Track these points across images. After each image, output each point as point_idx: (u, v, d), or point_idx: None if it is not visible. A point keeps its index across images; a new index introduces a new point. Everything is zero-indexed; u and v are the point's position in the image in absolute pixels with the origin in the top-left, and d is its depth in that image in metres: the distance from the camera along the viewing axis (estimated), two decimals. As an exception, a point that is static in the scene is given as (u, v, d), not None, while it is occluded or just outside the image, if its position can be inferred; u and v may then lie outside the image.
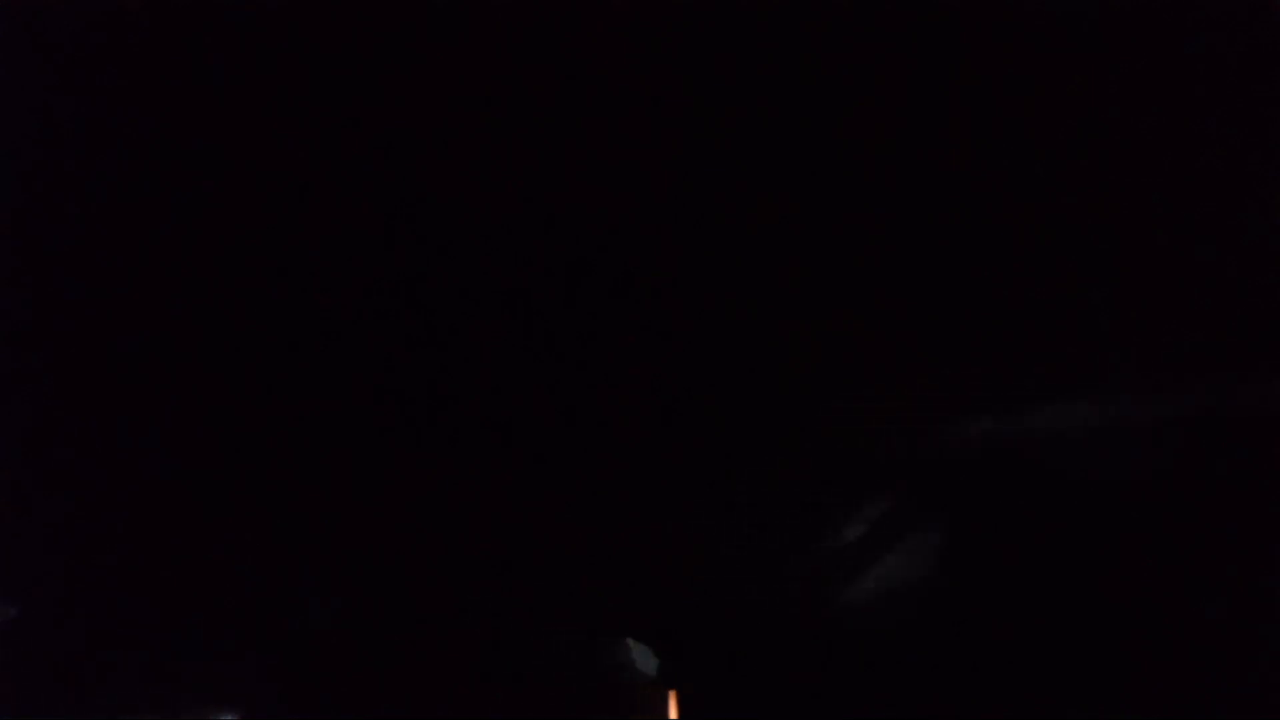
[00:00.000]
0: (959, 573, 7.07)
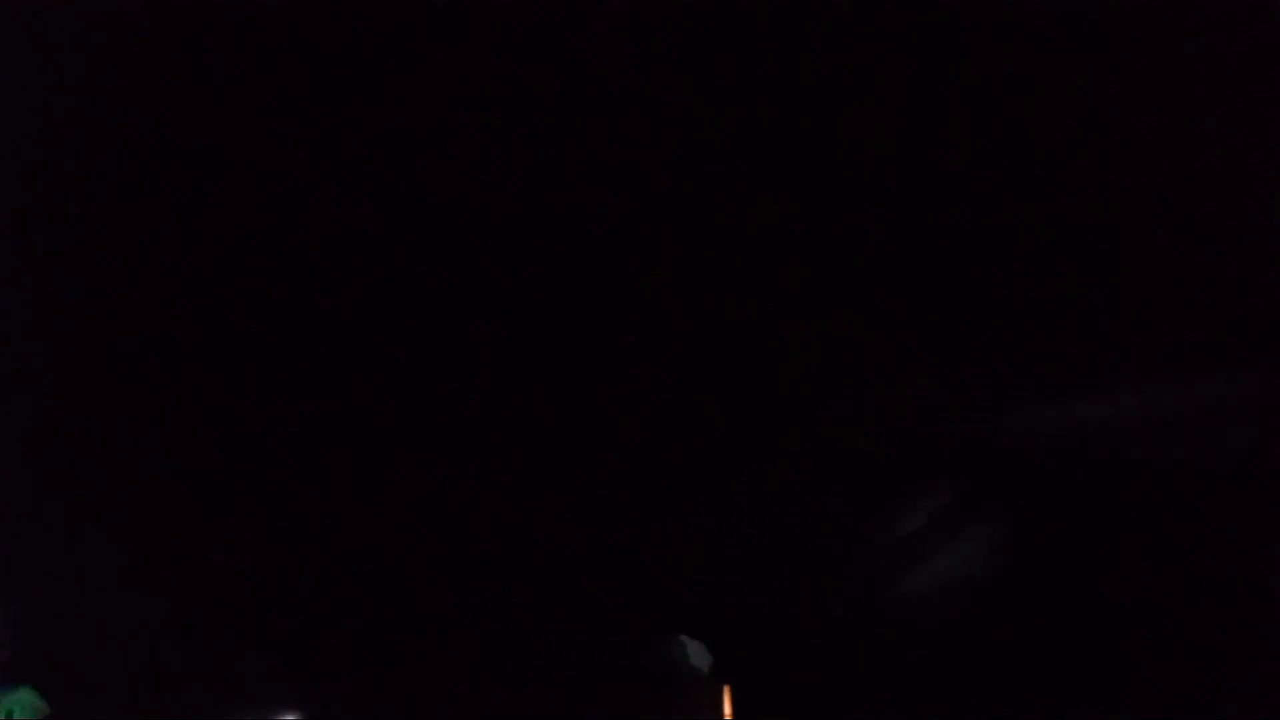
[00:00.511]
0: (1019, 566, 6.77)
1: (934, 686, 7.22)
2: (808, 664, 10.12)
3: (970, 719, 6.60)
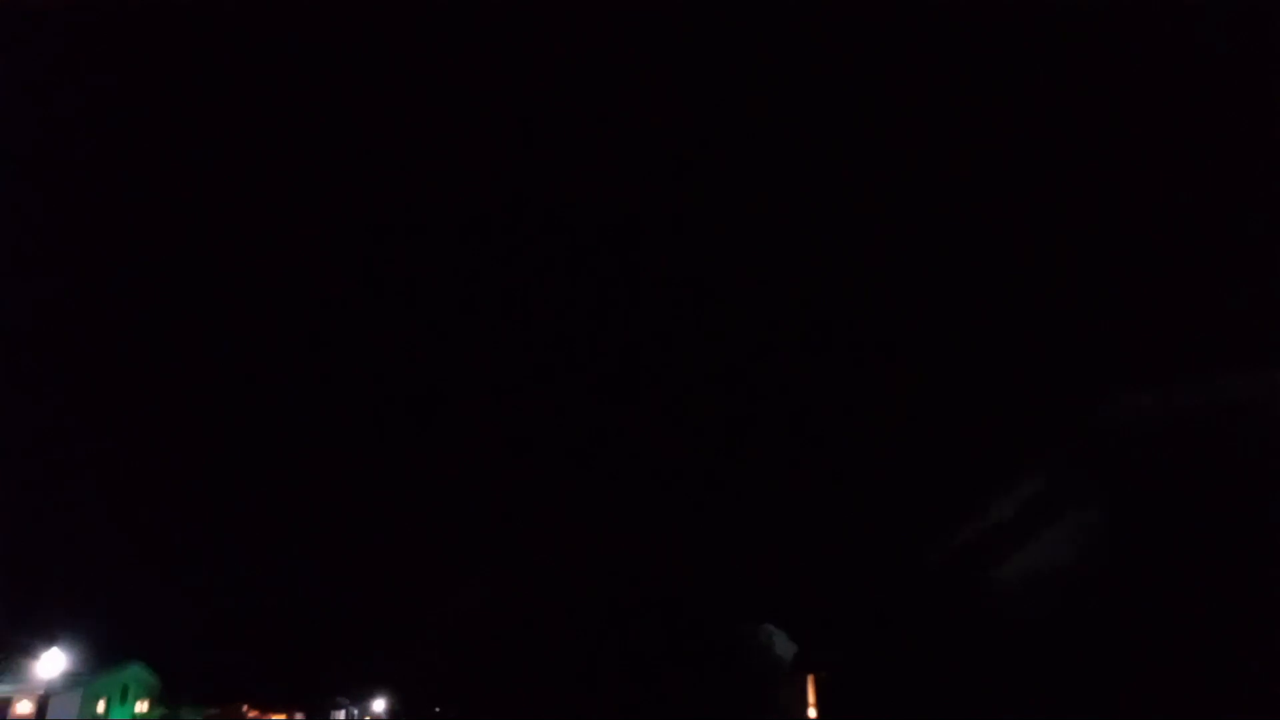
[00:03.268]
0: (1114, 554, 6.55)
1: (1023, 676, 7.09)
2: (892, 653, 10.05)
3: (1058, 710, 6.45)
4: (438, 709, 49.22)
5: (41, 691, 20.94)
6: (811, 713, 13.18)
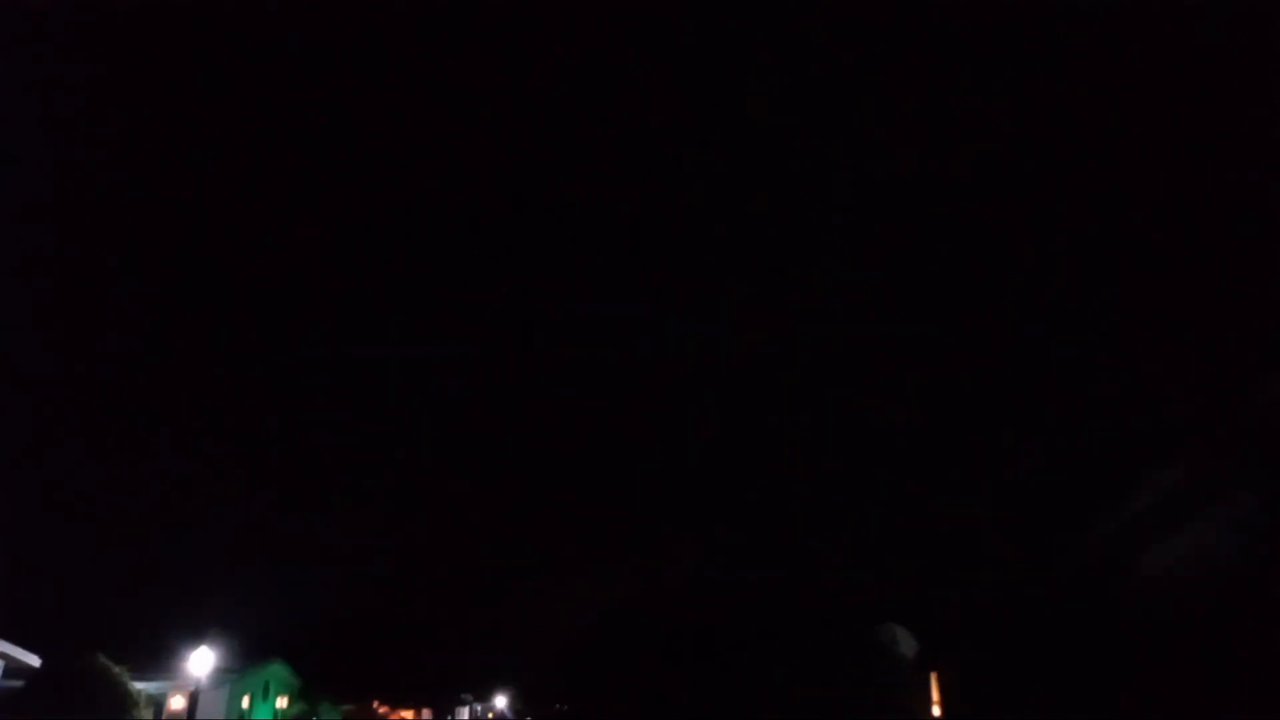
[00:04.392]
0: (1261, 549, 6.09)
1: (1165, 675, 6.65)
2: (1021, 650, 9.65)
3: (1207, 713, 6.02)
4: (559, 705, 50.12)
5: (192, 688, 22.35)
6: (935, 711, 12.81)
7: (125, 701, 20.24)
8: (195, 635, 21.46)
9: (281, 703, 36.91)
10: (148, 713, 22.16)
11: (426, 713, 50.89)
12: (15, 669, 16.53)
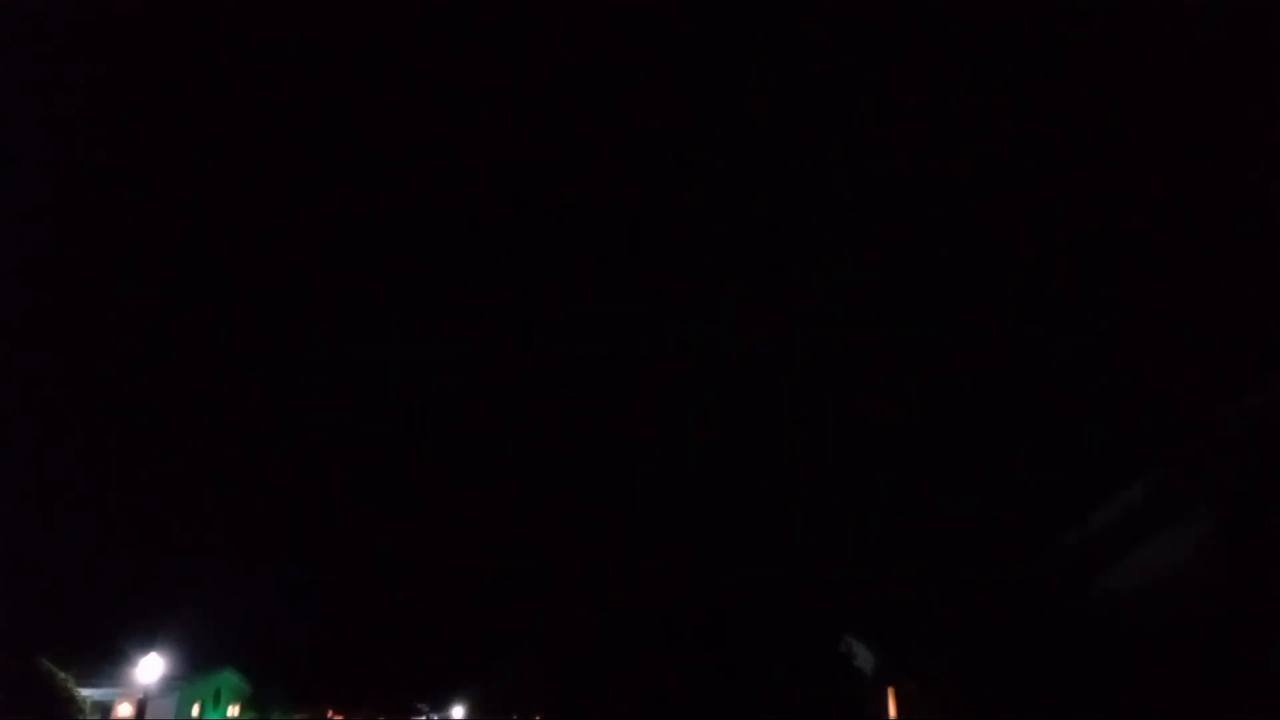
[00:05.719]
0: (1235, 561, 6.19)
1: (1124, 686, 6.72)
2: (978, 664, 9.72)
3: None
4: (515, 716, 49.68)
5: (141, 695, 21.81)
6: (894, 725, 12.86)
7: (69, 707, 19.69)
8: (146, 641, 20.96)
9: (233, 710, 36.18)
10: (94, 718, 21.59)
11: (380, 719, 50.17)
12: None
